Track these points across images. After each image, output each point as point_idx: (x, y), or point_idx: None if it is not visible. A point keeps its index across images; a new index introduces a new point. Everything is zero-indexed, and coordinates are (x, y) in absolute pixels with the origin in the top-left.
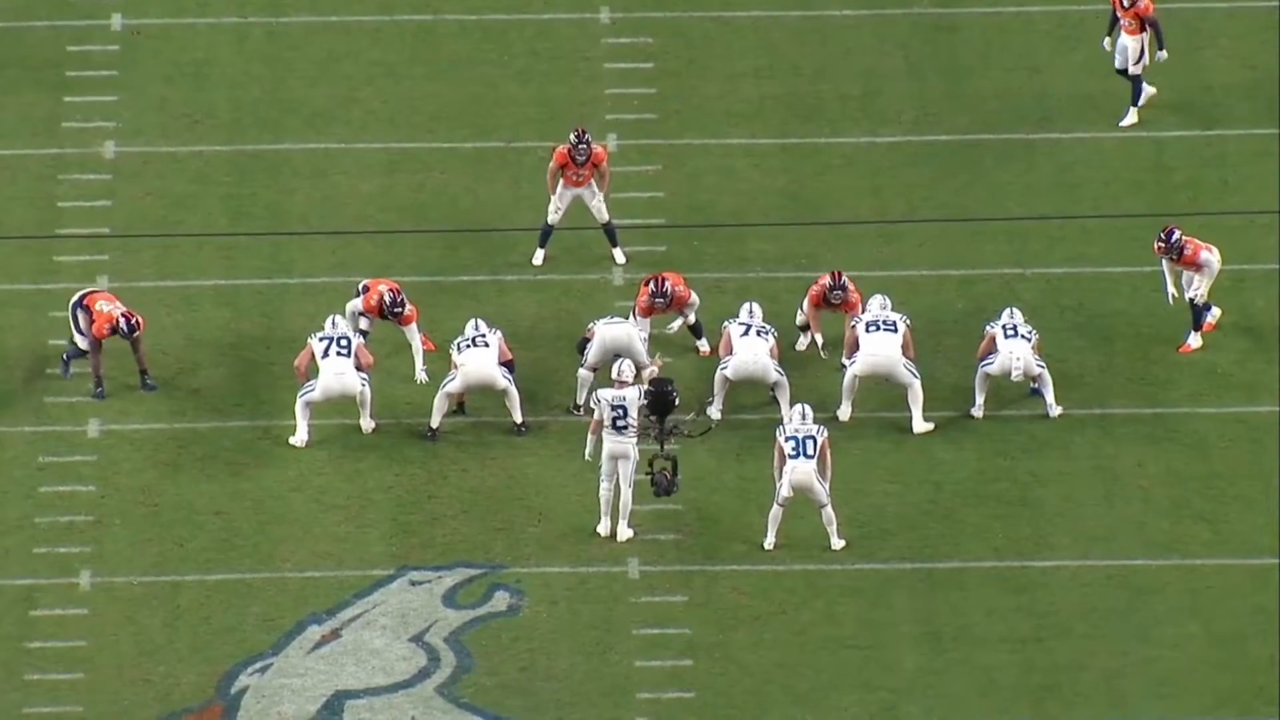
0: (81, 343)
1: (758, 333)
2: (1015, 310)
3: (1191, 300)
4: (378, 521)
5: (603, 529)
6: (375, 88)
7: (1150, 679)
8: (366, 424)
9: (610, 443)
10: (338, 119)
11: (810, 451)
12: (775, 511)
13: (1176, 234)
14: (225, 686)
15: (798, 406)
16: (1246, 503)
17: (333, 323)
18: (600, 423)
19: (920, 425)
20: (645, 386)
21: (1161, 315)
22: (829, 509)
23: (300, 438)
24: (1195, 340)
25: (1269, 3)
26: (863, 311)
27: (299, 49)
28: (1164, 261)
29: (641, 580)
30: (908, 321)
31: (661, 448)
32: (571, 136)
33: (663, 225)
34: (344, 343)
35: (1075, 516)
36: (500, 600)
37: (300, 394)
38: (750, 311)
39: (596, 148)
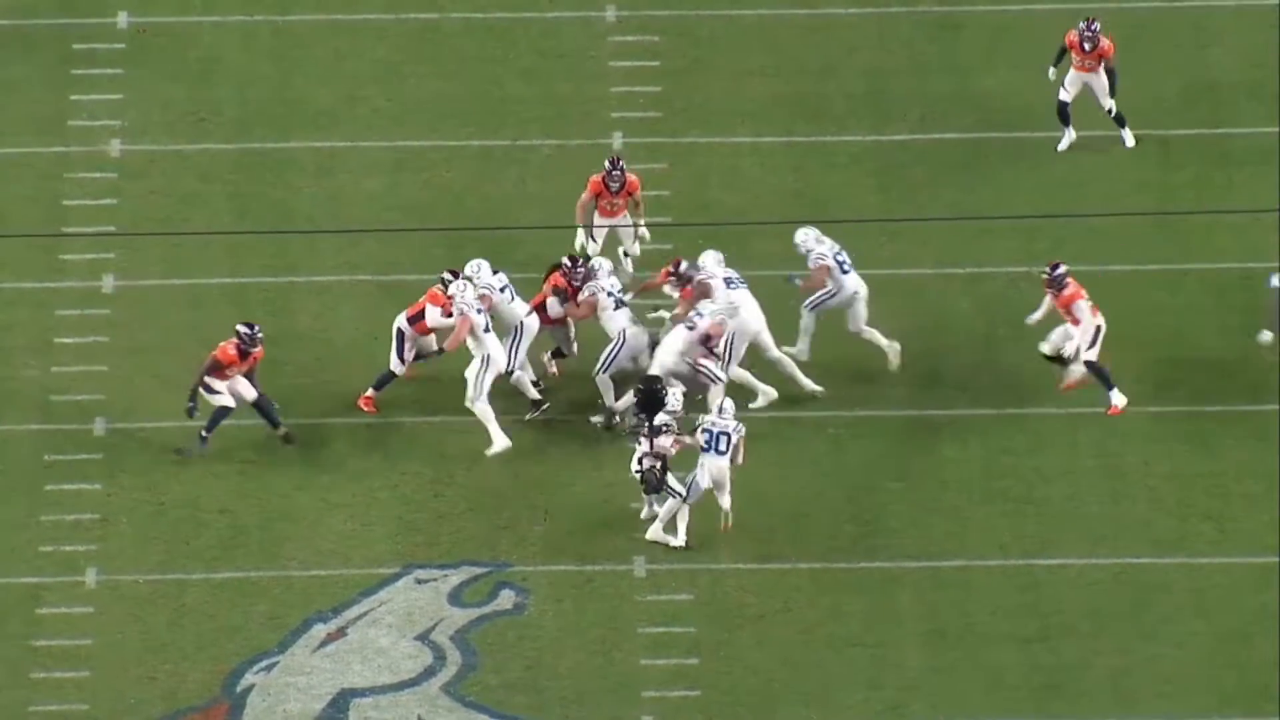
0: (220, 400)
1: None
2: None
3: (1089, 361)
4: (383, 520)
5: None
6: (381, 86)
7: (1155, 677)
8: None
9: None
10: (344, 117)
11: (723, 448)
12: (685, 510)
13: (1061, 269)
14: (231, 685)
15: (725, 400)
16: (1251, 501)
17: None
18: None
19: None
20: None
21: (1167, 313)
22: (728, 500)
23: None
24: (1118, 399)
25: (1275, 0)
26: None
27: (305, 47)
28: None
29: (647, 578)
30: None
31: (651, 446)
32: (605, 164)
33: (669, 224)
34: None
35: (1081, 515)
36: (506, 598)
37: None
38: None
39: (630, 175)
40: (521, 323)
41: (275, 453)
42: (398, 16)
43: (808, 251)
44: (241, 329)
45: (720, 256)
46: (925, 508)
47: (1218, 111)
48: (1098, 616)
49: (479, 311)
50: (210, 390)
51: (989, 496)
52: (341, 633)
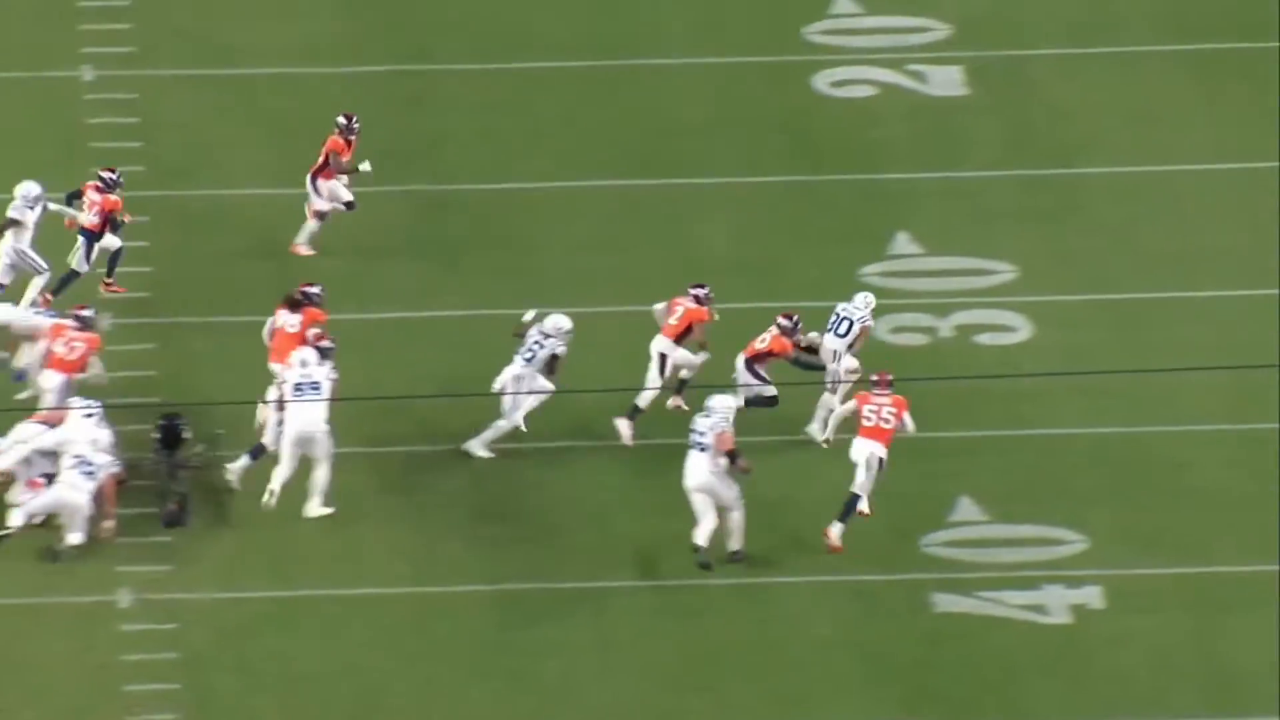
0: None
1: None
2: None
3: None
4: None
5: None
6: None
7: None
8: None
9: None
10: None
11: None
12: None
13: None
14: None
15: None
16: (747, 671)
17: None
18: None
19: (316, 510)
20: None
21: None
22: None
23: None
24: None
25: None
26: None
27: None
28: None
29: None
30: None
31: (172, 481)
32: None
33: (154, 403)
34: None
35: (575, 689)
36: None
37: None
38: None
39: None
40: None
41: None
42: None
43: None
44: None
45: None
46: (425, 686)
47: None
48: None
49: None
50: None
51: (486, 674)
52: None
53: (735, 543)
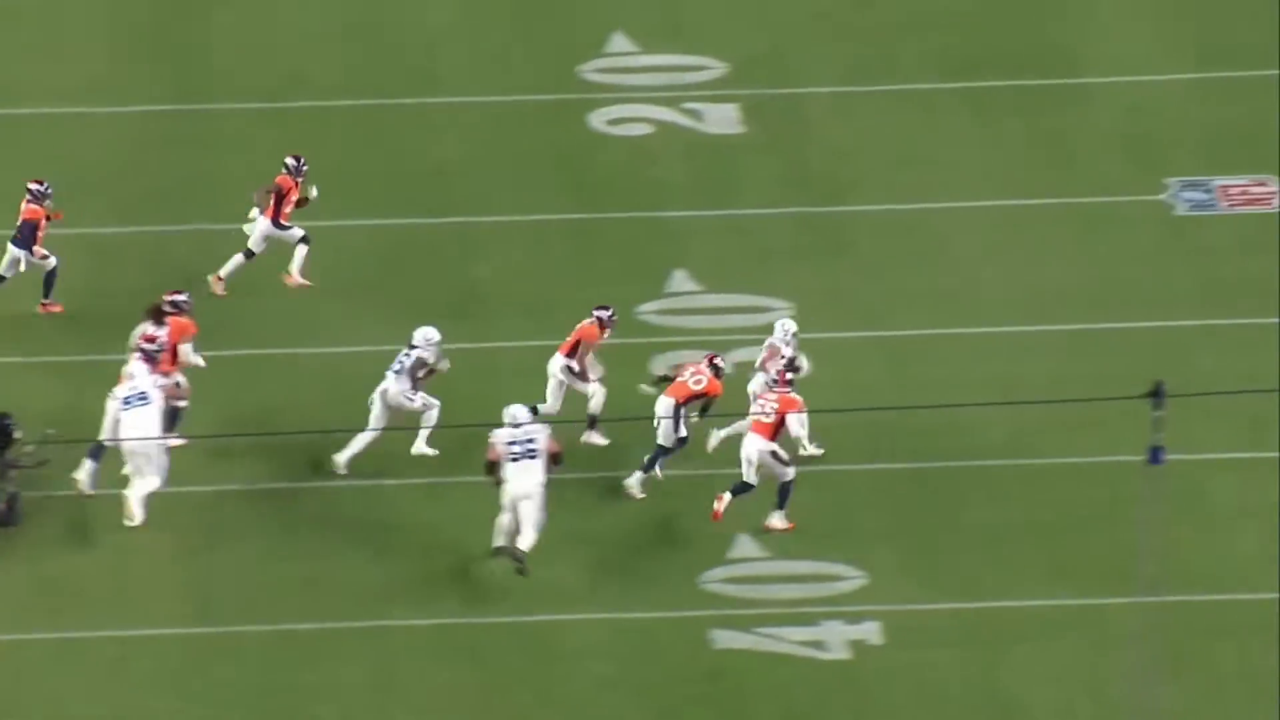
0: None
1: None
2: None
3: None
4: None
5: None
6: None
7: None
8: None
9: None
10: None
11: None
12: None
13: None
14: None
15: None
16: (527, 709)
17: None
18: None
19: (136, 508)
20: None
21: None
22: None
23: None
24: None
25: None
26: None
27: None
28: None
29: None
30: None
31: (2, 480)
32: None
33: None
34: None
35: None
36: None
37: None
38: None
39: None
40: None
41: None
42: None
43: None
44: None
45: None
46: None
47: None
48: None
49: None
50: None
51: (265, 714)
52: None
53: (525, 544)
